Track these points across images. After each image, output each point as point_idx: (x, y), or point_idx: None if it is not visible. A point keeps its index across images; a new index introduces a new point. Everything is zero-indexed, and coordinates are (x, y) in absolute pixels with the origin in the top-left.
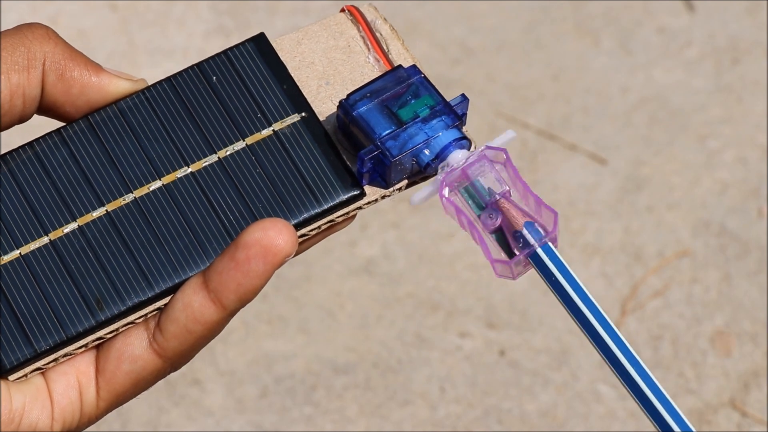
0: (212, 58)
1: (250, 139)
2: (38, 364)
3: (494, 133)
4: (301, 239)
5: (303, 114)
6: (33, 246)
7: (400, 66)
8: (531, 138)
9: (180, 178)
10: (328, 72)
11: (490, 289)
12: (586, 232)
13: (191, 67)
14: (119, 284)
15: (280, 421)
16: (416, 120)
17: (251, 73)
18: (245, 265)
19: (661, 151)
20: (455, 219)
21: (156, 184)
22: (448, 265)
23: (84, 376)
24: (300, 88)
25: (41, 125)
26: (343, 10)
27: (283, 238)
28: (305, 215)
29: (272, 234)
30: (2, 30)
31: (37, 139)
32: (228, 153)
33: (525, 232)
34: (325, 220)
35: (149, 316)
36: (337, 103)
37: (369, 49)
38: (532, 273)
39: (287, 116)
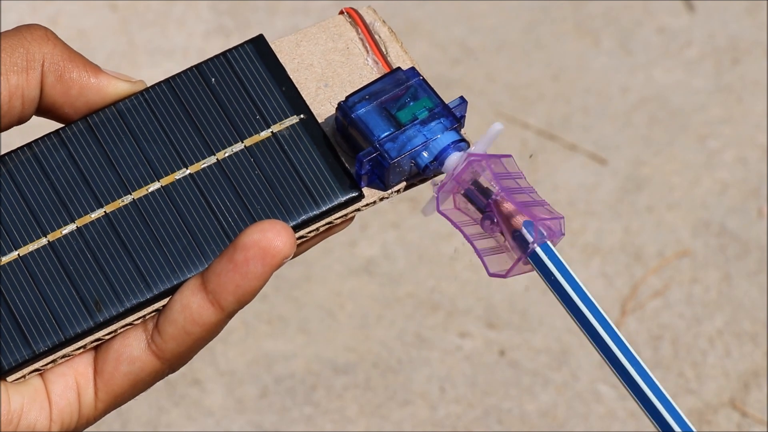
0: (211, 59)
1: (249, 141)
2: (36, 366)
3: None
4: (299, 241)
5: (302, 116)
6: (31, 247)
7: (398, 68)
8: (531, 138)
9: (179, 180)
10: (326, 74)
11: (490, 289)
12: (586, 232)
13: (190, 69)
14: (118, 285)
15: (280, 421)
16: (415, 122)
17: (250, 74)
18: (244, 267)
19: (661, 151)
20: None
21: (155, 186)
22: (448, 265)
23: (82, 378)
24: (299, 89)
25: (40, 126)
26: (341, 13)
27: (282, 240)
28: (304, 217)
29: (271, 236)
30: (1, 31)
31: (35, 140)
32: (227, 155)
33: (524, 231)
34: (323, 222)
35: (148, 317)
36: (336, 105)
37: (368, 51)
38: (532, 273)
39: (286, 118)
